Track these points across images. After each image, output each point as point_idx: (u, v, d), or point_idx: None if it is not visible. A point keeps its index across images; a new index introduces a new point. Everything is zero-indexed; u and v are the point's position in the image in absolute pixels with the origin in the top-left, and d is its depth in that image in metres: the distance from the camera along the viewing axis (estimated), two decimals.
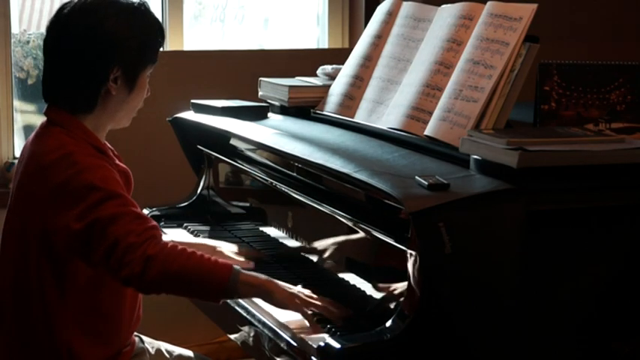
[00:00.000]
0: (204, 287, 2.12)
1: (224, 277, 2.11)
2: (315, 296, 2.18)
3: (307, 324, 2.15)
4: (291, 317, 2.20)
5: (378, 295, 2.20)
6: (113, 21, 2.21)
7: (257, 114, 2.92)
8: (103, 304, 2.24)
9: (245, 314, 2.33)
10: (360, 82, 2.72)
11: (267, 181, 2.66)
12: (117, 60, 2.22)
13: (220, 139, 2.93)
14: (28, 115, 3.80)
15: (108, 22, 2.21)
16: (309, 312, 2.14)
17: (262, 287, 2.16)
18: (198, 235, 2.85)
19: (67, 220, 2.12)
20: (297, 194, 2.48)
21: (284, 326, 2.16)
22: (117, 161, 2.30)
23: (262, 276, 2.19)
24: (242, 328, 2.36)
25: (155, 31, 2.29)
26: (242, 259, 2.55)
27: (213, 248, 2.57)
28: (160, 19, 3.85)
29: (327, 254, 2.44)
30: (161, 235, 2.14)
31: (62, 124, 2.24)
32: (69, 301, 2.21)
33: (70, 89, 2.24)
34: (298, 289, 2.20)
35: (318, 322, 2.14)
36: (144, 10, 2.28)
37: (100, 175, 2.15)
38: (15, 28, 3.72)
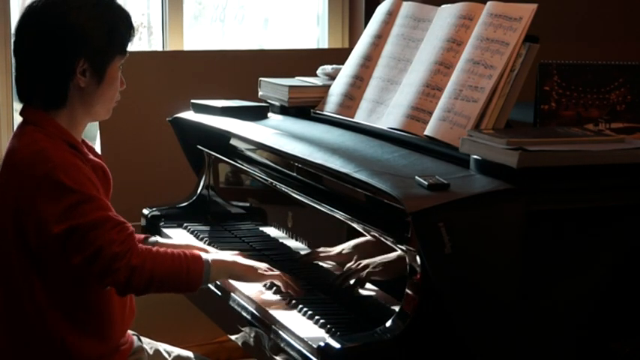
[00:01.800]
0: (183, 284, 2.24)
1: (200, 271, 2.24)
2: (272, 269, 2.35)
3: (307, 324, 2.16)
4: (291, 317, 2.20)
5: (378, 295, 2.20)
6: (76, 13, 2.22)
7: (257, 114, 2.92)
8: (90, 299, 2.25)
9: (245, 314, 2.33)
10: (360, 82, 2.72)
11: (267, 181, 2.66)
12: (83, 52, 2.22)
13: (220, 139, 2.93)
14: None
15: (71, 14, 2.22)
16: (269, 282, 2.35)
17: (229, 270, 2.32)
18: (198, 235, 2.85)
19: (43, 218, 2.14)
20: (297, 194, 2.48)
21: (284, 326, 2.17)
22: (90, 156, 2.30)
23: (226, 257, 2.35)
24: (242, 328, 2.36)
25: (121, 22, 2.29)
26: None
27: (199, 250, 2.55)
28: (160, 19, 3.89)
29: (327, 254, 2.44)
30: (136, 241, 2.21)
31: (36, 123, 2.25)
32: (56, 297, 2.22)
33: (40, 85, 2.25)
34: (257, 264, 2.35)
35: (318, 323, 2.15)
36: (109, 2, 2.28)
37: (72, 175, 2.16)
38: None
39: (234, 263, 2.33)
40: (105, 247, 2.13)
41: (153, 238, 2.59)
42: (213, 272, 2.26)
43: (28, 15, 2.26)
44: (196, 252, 2.30)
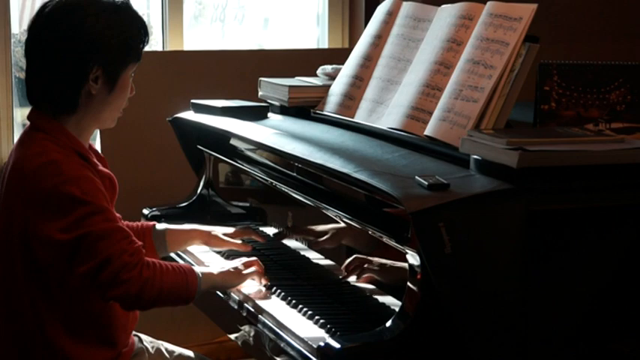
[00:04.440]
0: (183, 297, 2.24)
1: (195, 284, 2.24)
2: (246, 261, 2.38)
3: (307, 324, 2.16)
4: (291, 317, 2.20)
5: (378, 295, 2.20)
6: (93, 20, 2.19)
7: (257, 114, 2.92)
8: (92, 310, 2.23)
9: (245, 314, 2.33)
10: (360, 82, 2.71)
11: (267, 181, 2.66)
12: (97, 59, 2.19)
13: (220, 139, 2.93)
14: None
15: (88, 20, 2.18)
16: (255, 277, 2.38)
17: (217, 283, 2.32)
18: None
19: (50, 231, 2.12)
20: (297, 194, 2.48)
21: (284, 326, 2.17)
22: (100, 167, 2.27)
23: (213, 269, 2.34)
24: (242, 328, 2.37)
25: (137, 29, 2.26)
26: (238, 241, 2.59)
27: (208, 233, 2.59)
28: (160, 19, 3.89)
29: (326, 254, 2.44)
30: (144, 254, 2.20)
31: (45, 130, 2.22)
32: (58, 307, 2.20)
33: (51, 90, 2.21)
34: (233, 264, 2.38)
35: (318, 323, 2.15)
36: (125, 9, 2.25)
37: (84, 187, 2.14)
38: (15, 28, 3.72)
39: (218, 275, 2.32)
40: (115, 256, 2.10)
41: (161, 225, 2.59)
42: (203, 284, 2.26)
43: (43, 16, 2.22)
44: (188, 265, 2.29)
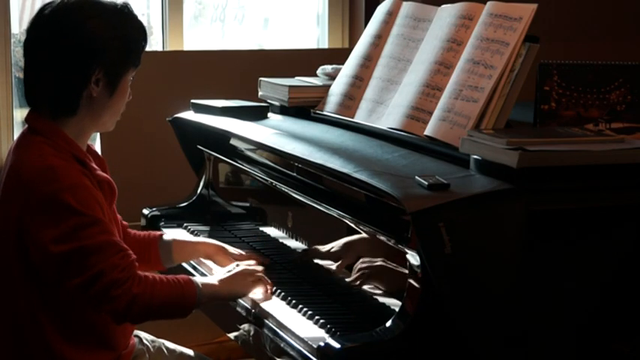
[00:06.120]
0: (179, 311, 2.22)
1: (193, 296, 2.21)
2: (250, 269, 2.36)
3: (307, 324, 2.16)
4: (291, 317, 2.20)
5: (377, 295, 2.20)
6: (96, 22, 2.18)
7: (257, 114, 2.92)
8: (90, 313, 2.21)
9: (245, 314, 2.33)
10: (360, 82, 2.72)
11: (267, 181, 2.66)
12: (99, 61, 2.18)
13: (220, 139, 2.93)
14: None
15: (91, 22, 2.18)
16: (259, 284, 2.34)
17: (219, 294, 2.29)
18: (198, 235, 2.85)
19: (44, 239, 2.10)
20: (297, 194, 2.48)
21: (284, 326, 2.17)
22: (98, 171, 2.25)
23: (215, 280, 2.31)
24: (242, 328, 2.37)
25: (138, 33, 2.26)
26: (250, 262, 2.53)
27: (215, 248, 2.56)
28: (160, 19, 3.89)
29: (327, 254, 2.44)
30: (137, 268, 2.18)
31: (43, 133, 2.20)
32: (55, 310, 2.19)
33: (52, 91, 2.20)
34: (238, 269, 2.34)
35: (318, 323, 2.15)
36: (127, 13, 2.25)
37: (80, 197, 2.12)
38: (15, 28, 3.72)
39: (222, 286, 2.29)
40: (106, 271, 2.09)
41: (169, 236, 2.56)
42: (204, 296, 2.23)
43: (45, 17, 2.20)
44: (186, 276, 2.26)
